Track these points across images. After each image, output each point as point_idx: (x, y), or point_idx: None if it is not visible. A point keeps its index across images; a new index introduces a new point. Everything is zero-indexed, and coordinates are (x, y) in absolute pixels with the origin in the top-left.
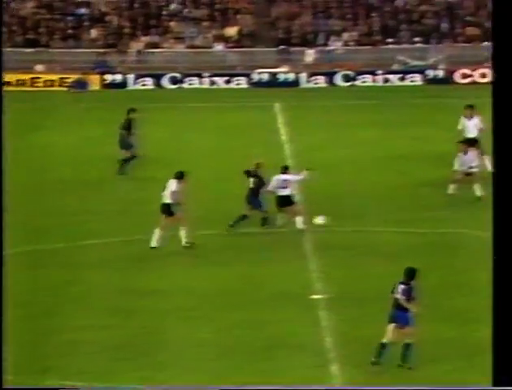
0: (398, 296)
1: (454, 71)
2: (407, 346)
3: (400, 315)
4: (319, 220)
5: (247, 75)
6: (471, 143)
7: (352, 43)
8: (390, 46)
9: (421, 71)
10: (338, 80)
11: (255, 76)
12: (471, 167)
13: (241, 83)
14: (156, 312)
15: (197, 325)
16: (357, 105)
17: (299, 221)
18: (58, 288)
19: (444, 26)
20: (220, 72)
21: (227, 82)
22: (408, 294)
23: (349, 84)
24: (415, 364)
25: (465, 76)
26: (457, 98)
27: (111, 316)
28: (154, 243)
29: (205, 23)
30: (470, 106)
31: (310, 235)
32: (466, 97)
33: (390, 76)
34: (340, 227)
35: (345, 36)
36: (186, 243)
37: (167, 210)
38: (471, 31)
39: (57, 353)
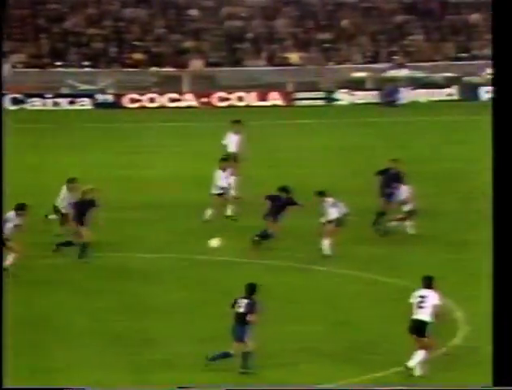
0: (241, 310)
1: (123, 96)
2: (246, 355)
3: (240, 329)
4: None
5: None
6: (233, 158)
7: (20, 65)
8: (59, 69)
9: (90, 95)
10: (7, 103)
11: None
12: (223, 188)
13: None
14: None
15: None
16: (27, 128)
17: None
18: None
19: (113, 50)
20: None
21: None
22: (251, 308)
23: (17, 107)
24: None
25: (133, 101)
26: (127, 122)
27: None
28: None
29: None
30: (238, 121)
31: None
32: (136, 122)
33: (60, 100)
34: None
35: (14, 57)
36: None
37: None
38: (138, 56)
39: None
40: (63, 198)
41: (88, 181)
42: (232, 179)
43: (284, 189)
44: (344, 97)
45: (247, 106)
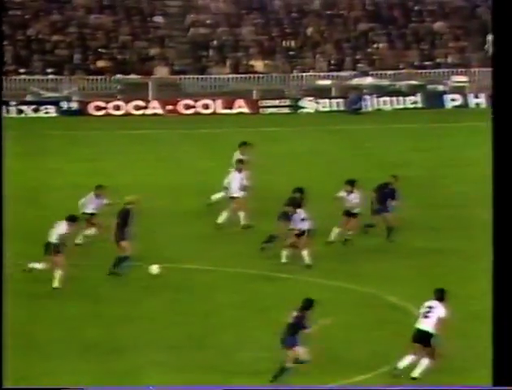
0: (290, 320)
1: (88, 103)
2: (299, 363)
3: (288, 339)
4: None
5: None
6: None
7: None
8: (23, 77)
9: (55, 102)
10: None
11: None
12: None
13: None
14: None
15: None
16: None
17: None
18: None
19: (77, 57)
20: None
21: None
22: (299, 322)
23: None
24: None
25: (99, 109)
26: (92, 130)
27: None
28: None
29: None
30: (245, 143)
31: None
32: (101, 129)
33: (24, 107)
34: None
35: None
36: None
37: (50, 248)
38: (103, 63)
39: None
40: (89, 204)
41: (53, 188)
42: (247, 182)
43: (298, 190)
44: (309, 104)
45: (213, 114)
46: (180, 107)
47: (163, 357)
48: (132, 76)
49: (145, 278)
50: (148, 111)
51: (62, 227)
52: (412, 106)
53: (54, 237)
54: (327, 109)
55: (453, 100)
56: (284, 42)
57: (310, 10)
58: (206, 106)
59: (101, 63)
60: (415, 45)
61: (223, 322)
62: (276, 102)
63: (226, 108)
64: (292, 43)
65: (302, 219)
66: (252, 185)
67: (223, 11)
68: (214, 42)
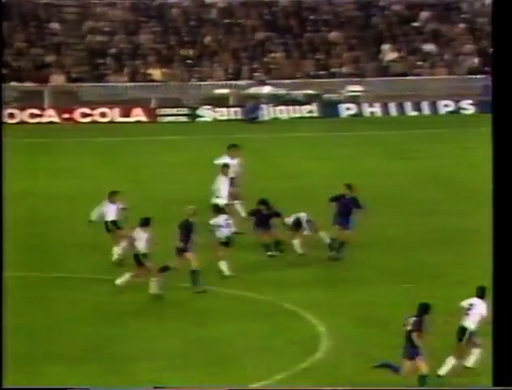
0: (409, 328)
1: None
2: (422, 378)
3: (409, 349)
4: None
5: None
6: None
7: None
8: None
9: None
10: None
11: None
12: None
13: None
14: None
15: None
16: None
17: None
18: None
19: None
20: None
21: None
22: (418, 327)
23: None
24: None
25: None
26: None
27: None
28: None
29: None
30: (235, 146)
31: None
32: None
33: None
34: None
35: None
36: (156, 294)
37: (138, 260)
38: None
39: None
40: (109, 211)
41: None
42: (235, 187)
43: (263, 202)
44: (207, 113)
45: (110, 122)
46: (77, 115)
47: (58, 367)
48: (28, 84)
49: (32, 289)
50: (44, 119)
51: (141, 235)
52: (308, 115)
53: (139, 247)
54: (224, 118)
55: (348, 109)
56: (181, 51)
57: (208, 19)
58: (103, 115)
59: None
60: (311, 55)
61: (121, 332)
62: (174, 111)
63: (123, 116)
64: (190, 52)
65: (225, 226)
66: (241, 190)
67: (121, 19)
68: (112, 50)
